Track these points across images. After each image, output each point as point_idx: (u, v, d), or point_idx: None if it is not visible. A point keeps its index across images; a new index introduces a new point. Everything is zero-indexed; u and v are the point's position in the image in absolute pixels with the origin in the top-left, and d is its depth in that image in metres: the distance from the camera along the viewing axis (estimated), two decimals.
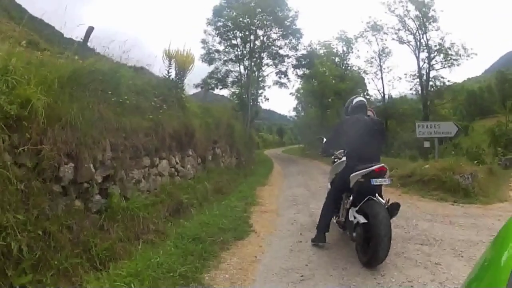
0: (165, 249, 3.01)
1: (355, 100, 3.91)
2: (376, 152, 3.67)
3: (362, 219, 3.18)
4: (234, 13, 21.09)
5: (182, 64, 6.05)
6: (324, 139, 4.28)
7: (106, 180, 3.60)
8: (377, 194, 3.36)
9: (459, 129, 11.30)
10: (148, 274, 2.43)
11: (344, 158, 3.76)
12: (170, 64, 5.98)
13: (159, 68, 6.08)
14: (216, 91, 23.93)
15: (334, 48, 27.18)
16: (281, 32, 22.45)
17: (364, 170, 3.29)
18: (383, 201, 3.35)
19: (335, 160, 4.19)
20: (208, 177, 6.91)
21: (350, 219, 3.41)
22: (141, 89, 4.75)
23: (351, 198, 3.50)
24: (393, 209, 3.27)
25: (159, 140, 4.76)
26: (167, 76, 5.90)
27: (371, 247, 3.01)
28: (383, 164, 3.32)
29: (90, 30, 4.52)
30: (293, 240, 4.02)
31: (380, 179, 3.28)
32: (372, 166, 3.26)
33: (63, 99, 3.17)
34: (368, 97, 26.66)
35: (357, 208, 3.34)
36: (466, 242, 3.85)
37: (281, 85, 24.37)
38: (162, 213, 4.31)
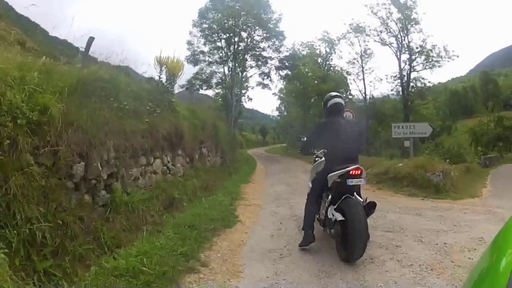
0: (166, 235, 3.51)
1: (330, 102, 3.84)
2: (354, 153, 3.72)
3: (339, 217, 3.29)
4: (219, 15, 21.48)
5: (173, 70, 6.48)
6: (305, 139, 4.42)
7: (110, 177, 4.01)
8: (355, 193, 3.50)
9: (433, 129, 12.09)
10: (154, 253, 2.91)
11: (323, 158, 3.88)
12: (161, 70, 6.41)
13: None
14: (201, 91, 24.31)
15: (317, 49, 27.50)
16: (264, 34, 22.89)
17: (340, 171, 3.42)
18: (361, 200, 3.52)
19: (316, 159, 4.32)
20: (196, 175, 7.34)
21: (329, 217, 3.51)
22: (137, 94, 5.17)
23: (330, 196, 3.61)
24: (370, 207, 3.48)
25: (154, 141, 5.19)
26: (158, 81, 6.35)
27: (348, 244, 3.16)
28: (358, 166, 3.44)
29: (91, 40, 4.89)
30: (274, 228, 4.58)
31: (356, 180, 3.41)
32: (348, 167, 3.39)
33: (74, 105, 3.59)
34: (350, 96, 26.95)
35: (335, 206, 3.43)
36: (429, 230, 4.35)
37: (264, 86, 24.86)
38: (158, 207, 4.74)
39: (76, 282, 2.47)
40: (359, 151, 3.99)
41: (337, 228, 3.35)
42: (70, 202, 3.35)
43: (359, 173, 3.43)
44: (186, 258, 3.06)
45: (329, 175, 3.56)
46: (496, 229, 4.62)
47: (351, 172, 3.40)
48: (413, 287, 2.71)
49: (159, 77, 6.38)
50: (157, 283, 2.46)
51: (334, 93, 4.02)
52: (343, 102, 3.89)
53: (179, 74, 6.61)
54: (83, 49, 5.15)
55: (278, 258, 3.39)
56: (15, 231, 2.55)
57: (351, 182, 3.39)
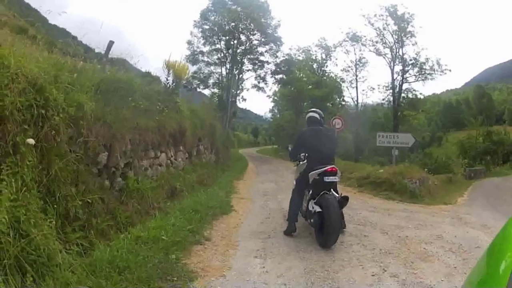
0: (175, 216, 4.23)
1: (307, 116, 4.75)
2: (330, 155, 4.38)
3: (318, 209, 3.93)
4: (220, 16, 22.09)
5: (179, 73, 7.16)
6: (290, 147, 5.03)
7: (126, 166, 4.66)
8: (332, 190, 4.11)
9: (416, 141, 12.66)
10: (169, 228, 3.63)
11: (306, 160, 4.45)
12: (169, 73, 7.07)
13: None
14: (198, 90, 24.87)
15: (313, 55, 28.04)
16: (263, 39, 23.55)
17: (319, 170, 4.03)
18: (337, 195, 4.13)
19: (299, 162, 4.80)
20: (194, 170, 8.03)
21: (309, 209, 4.13)
22: (148, 95, 5.82)
23: (310, 192, 4.24)
24: (343, 201, 4.11)
25: (161, 137, 5.86)
26: (166, 84, 7.02)
27: (324, 231, 3.78)
28: (333, 165, 4.10)
29: (111, 43, 5.52)
30: (263, 217, 5.35)
31: (332, 177, 4.04)
32: (325, 167, 4.03)
33: (100, 103, 4.21)
34: (343, 103, 27.84)
35: (315, 200, 4.05)
36: (395, 226, 5.02)
37: (259, 89, 25.59)
38: (162, 195, 5.41)
39: (110, 245, 3.13)
40: (334, 153, 4.72)
41: (316, 218, 3.97)
42: (94, 186, 3.94)
43: (334, 171, 4.11)
44: (193, 234, 3.82)
45: (310, 174, 4.18)
46: (457, 231, 5.49)
47: (328, 170, 4.06)
48: (370, 263, 3.44)
49: (167, 79, 7.05)
50: (173, 248, 3.16)
51: (312, 109, 4.89)
52: (317, 115, 4.64)
53: (185, 77, 7.27)
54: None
55: (266, 238, 4.17)
56: (55, 206, 3.12)
57: (328, 178, 4.05)
